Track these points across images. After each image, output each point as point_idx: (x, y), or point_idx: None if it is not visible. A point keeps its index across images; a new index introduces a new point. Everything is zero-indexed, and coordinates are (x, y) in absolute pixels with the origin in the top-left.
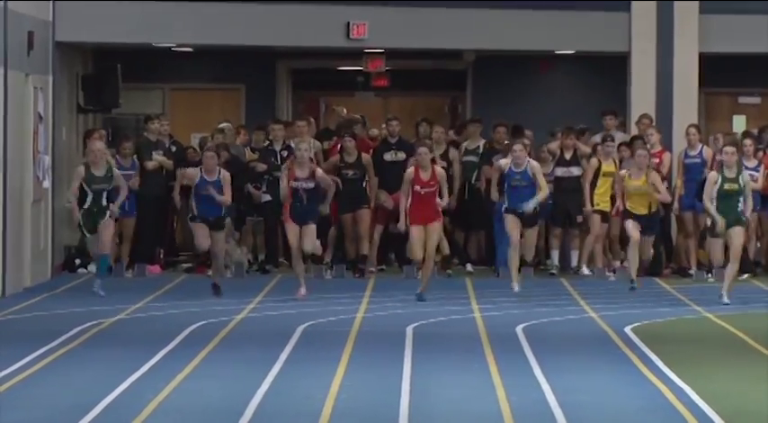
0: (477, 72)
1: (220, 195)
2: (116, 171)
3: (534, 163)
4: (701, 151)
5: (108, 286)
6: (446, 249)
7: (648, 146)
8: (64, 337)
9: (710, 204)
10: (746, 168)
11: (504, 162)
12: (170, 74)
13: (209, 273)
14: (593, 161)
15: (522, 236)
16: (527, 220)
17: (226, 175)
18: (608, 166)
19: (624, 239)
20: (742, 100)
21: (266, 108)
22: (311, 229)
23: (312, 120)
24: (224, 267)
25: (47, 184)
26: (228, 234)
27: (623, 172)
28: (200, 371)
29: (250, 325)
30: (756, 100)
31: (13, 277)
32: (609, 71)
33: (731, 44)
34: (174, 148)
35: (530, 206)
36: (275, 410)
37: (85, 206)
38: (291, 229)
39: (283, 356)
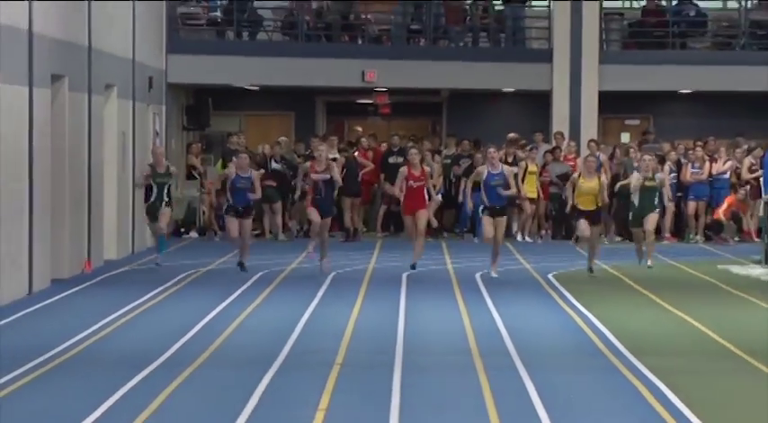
0: (450, 103)
1: (253, 190)
2: (173, 168)
3: (507, 167)
4: (598, 157)
5: (200, 245)
6: (435, 223)
7: (564, 152)
8: (173, 281)
9: (635, 196)
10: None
11: (482, 168)
12: (244, 104)
13: (270, 236)
14: (522, 164)
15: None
16: (498, 213)
17: (255, 173)
18: (532, 167)
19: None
20: (627, 122)
21: (308, 128)
22: (327, 223)
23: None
24: (280, 236)
25: None
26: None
27: (575, 175)
28: (265, 303)
29: (298, 272)
30: (637, 122)
31: (140, 239)
32: (537, 103)
33: (620, 84)
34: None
35: (505, 193)
36: (315, 329)
37: (152, 199)
38: (313, 214)
39: (320, 293)
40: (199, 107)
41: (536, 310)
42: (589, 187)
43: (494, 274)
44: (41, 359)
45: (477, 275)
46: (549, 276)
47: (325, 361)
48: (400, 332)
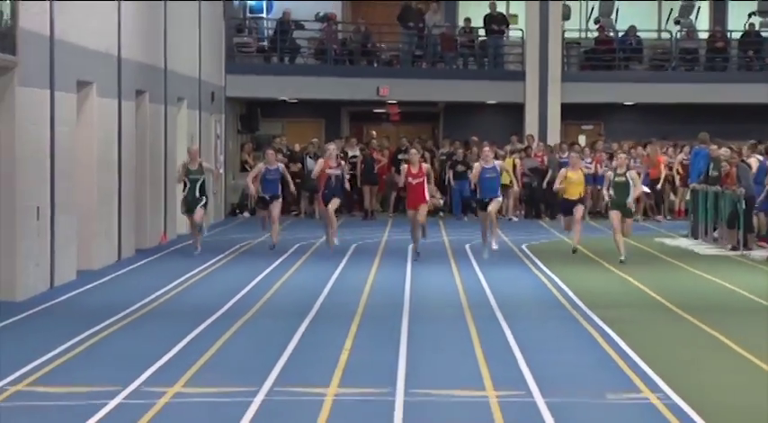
0: (445, 112)
1: (280, 180)
2: (205, 164)
3: (500, 162)
4: (567, 155)
5: (251, 224)
6: (431, 207)
7: (535, 150)
8: (229, 251)
9: (607, 191)
10: (583, 161)
11: (477, 165)
12: (285, 113)
13: (305, 216)
14: (509, 160)
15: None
16: (488, 204)
17: (282, 166)
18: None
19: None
20: (583, 127)
21: (335, 131)
22: (335, 203)
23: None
24: (316, 215)
25: (221, 170)
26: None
27: (563, 170)
28: (302, 267)
29: (326, 244)
30: (590, 127)
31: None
32: (513, 112)
33: (578, 98)
34: (288, 152)
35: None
36: (340, 287)
37: (185, 192)
38: (322, 205)
39: (344, 260)
40: (250, 115)
41: (512, 273)
42: (573, 179)
43: (494, 246)
44: (128, 311)
45: (467, 246)
46: (523, 247)
47: (349, 312)
48: (407, 290)
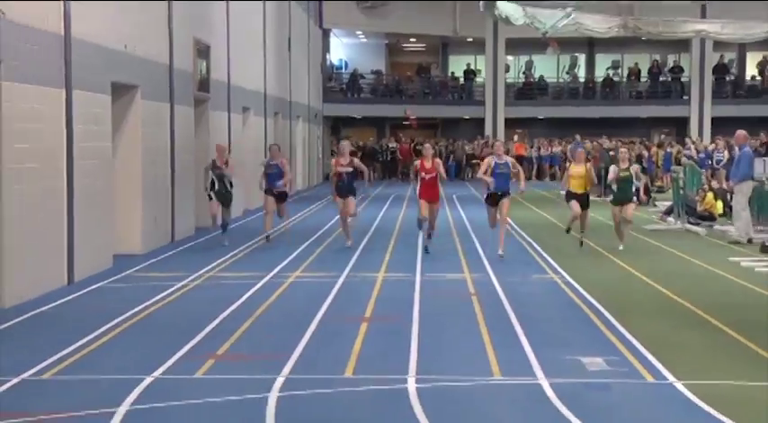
0: (442, 124)
1: (282, 175)
2: (231, 162)
3: (510, 158)
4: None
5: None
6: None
7: (491, 145)
8: (318, 203)
9: (614, 184)
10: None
11: (490, 158)
12: (355, 124)
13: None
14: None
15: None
16: (500, 197)
17: (283, 161)
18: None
19: None
20: (517, 131)
21: (382, 134)
22: (352, 200)
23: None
24: (367, 183)
25: (320, 156)
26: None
27: (569, 164)
28: (362, 208)
29: (375, 198)
30: (521, 131)
31: (308, 181)
32: (479, 123)
33: (514, 115)
34: (357, 144)
35: (524, 189)
36: (385, 220)
37: (216, 187)
38: (339, 202)
39: (387, 204)
40: (336, 126)
41: (481, 212)
42: (578, 172)
43: (500, 252)
44: (254, 240)
45: (454, 196)
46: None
47: (390, 233)
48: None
